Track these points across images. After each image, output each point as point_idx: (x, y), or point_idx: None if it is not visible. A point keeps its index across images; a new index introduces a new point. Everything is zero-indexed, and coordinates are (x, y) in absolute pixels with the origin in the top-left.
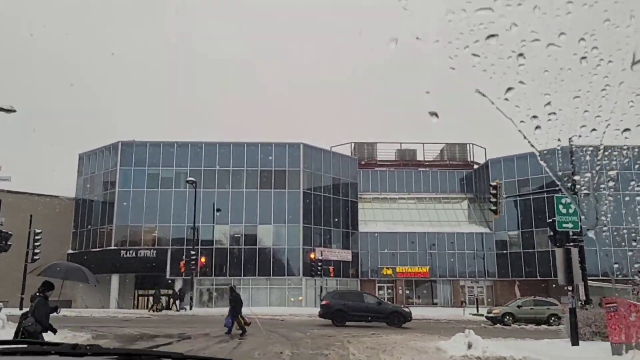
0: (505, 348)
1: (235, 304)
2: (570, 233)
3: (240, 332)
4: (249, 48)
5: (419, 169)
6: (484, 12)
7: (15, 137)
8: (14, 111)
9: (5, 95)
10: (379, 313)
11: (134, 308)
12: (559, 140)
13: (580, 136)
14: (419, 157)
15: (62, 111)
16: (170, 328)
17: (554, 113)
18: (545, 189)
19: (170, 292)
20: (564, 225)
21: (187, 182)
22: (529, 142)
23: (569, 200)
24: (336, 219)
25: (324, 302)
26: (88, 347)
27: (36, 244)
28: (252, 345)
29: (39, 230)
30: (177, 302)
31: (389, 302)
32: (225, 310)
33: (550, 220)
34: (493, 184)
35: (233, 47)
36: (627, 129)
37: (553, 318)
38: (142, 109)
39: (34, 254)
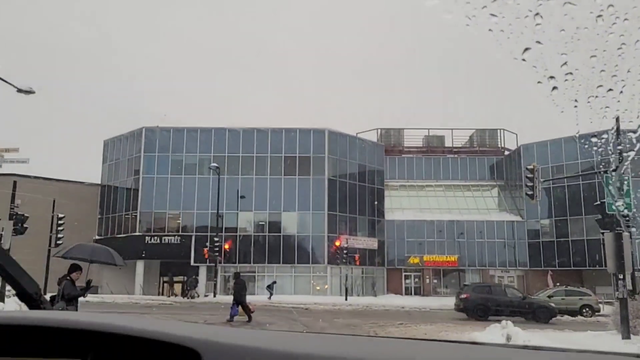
0: (549, 341)
1: (240, 290)
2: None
3: (247, 319)
4: (274, 34)
5: (447, 156)
6: None
7: (42, 124)
8: (33, 92)
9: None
10: (523, 307)
11: (158, 294)
12: (575, 101)
13: (597, 97)
14: (447, 144)
15: (90, 97)
16: (191, 315)
17: (571, 73)
18: (581, 175)
19: (185, 279)
20: (615, 207)
21: (210, 168)
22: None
23: (622, 180)
24: (362, 207)
25: (463, 296)
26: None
27: (59, 228)
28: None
29: (62, 215)
30: (192, 289)
31: (532, 297)
32: (248, 298)
33: (599, 202)
34: (530, 167)
35: (258, 32)
36: None
37: (586, 309)
38: (169, 95)
39: (57, 238)
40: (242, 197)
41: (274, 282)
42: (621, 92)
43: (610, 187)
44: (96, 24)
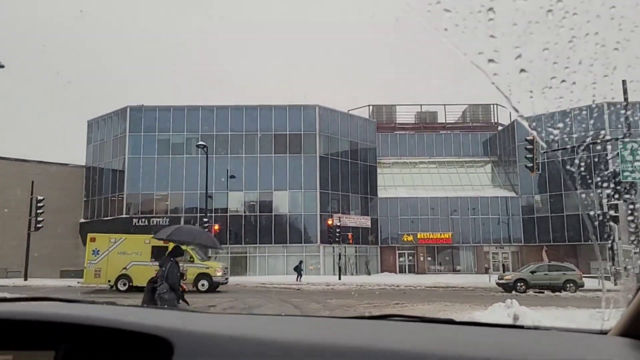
0: (562, 321)
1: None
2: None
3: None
4: (263, 10)
5: (440, 132)
6: None
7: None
8: (2, 66)
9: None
10: None
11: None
12: (531, 92)
13: (551, 87)
14: (440, 120)
15: (72, 77)
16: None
17: (524, 70)
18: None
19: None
20: (630, 175)
21: (198, 146)
22: (505, 97)
23: (637, 146)
24: (354, 185)
25: None
26: (104, 303)
27: (39, 211)
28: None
29: (41, 197)
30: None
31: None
32: (240, 279)
33: (611, 170)
34: (529, 138)
35: (246, 9)
36: (594, 83)
37: (569, 284)
38: (154, 73)
39: (37, 221)
40: (232, 177)
41: (301, 262)
42: (574, 83)
43: (626, 153)
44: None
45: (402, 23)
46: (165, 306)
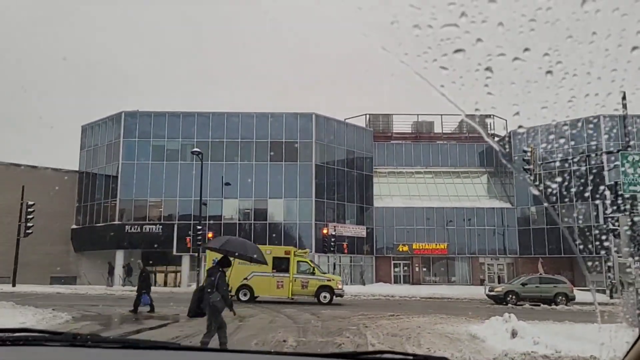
0: (562, 337)
1: (147, 281)
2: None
3: (148, 309)
4: (259, 19)
5: (437, 142)
6: (449, 28)
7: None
8: None
9: (5, 63)
10: None
11: None
12: (529, 146)
13: (550, 143)
14: (437, 130)
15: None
16: (167, 307)
17: (522, 126)
18: (572, 161)
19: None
20: (632, 188)
21: (193, 152)
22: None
23: (639, 158)
24: (350, 194)
25: None
26: (89, 337)
27: (29, 217)
28: (252, 330)
29: (32, 202)
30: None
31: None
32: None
33: (612, 182)
34: (527, 149)
35: (243, 17)
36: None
37: (560, 297)
38: (149, 79)
39: (27, 227)
40: (227, 184)
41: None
42: (573, 140)
43: (627, 165)
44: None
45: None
46: (153, 342)
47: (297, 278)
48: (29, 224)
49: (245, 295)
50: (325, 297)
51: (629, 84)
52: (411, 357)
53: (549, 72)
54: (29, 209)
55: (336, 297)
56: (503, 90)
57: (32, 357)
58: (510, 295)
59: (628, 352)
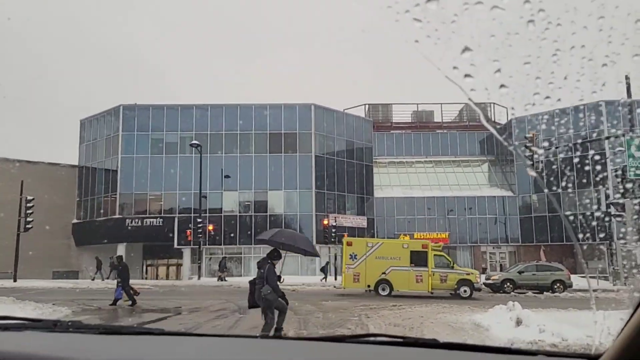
0: (568, 325)
1: (124, 274)
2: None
3: (130, 303)
4: (257, 8)
5: (437, 131)
6: None
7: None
8: None
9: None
10: None
11: (142, 278)
12: (512, 108)
13: (534, 104)
14: (437, 119)
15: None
16: (167, 301)
17: (504, 86)
18: (573, 147)
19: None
20: (639, 172)
21: (191, 145)
22: (482, 115)
23: None
24: (350, 184)
25: None
26: (69, 323)
27: (28, 212)
28: (253, 321)
29: (31, 197)
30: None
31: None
32: (234, 280)
33: (616, 167)
34: (529, 135)
35: (240, 4)
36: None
37: (557, 284)
38: (147, 72)
39: (27, 222)
40: (226, 176)
41: (328, 263)
42: (559, 99)
43: (632, 148)
44: None
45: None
46: (134, 328)
47: (436, 272)
48: (28, 219)
49: (384, 290)
50: (465, 291)
51: (617, 34)
52: (401, 340)
53: (530, 21)
54: (28, 204)
55: (475, 291)
56: (482, 44)
57: (11, 342)
58: (507, 283)
59: (623, 328)
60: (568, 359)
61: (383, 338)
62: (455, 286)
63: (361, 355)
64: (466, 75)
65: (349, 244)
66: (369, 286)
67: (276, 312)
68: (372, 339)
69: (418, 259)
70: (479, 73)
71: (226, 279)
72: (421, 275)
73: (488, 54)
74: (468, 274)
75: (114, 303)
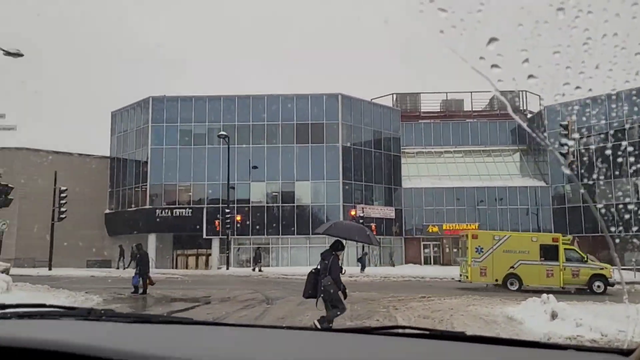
0: (606, 319)
1: (144, 262)
2: None
3: (141, 291)
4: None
5: (467, 120)
6: None
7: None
8: (21, 55)
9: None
10: None
11: (172, 268)
12: (541, 98)
13: (564, 94)
14: (467, 108)
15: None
16: (196, 290)
17: (533, 76)
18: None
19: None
20: None
21: (219, 136)
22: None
23: None
24: (378, 175)
25: None
26: (102, 312)
27: (62, 202)
28: (280, 312)
29: (64, 188)
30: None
31: None
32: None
33: None
34: (564, 123)
35: None
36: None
37: (598, 283)
38: (175, 65)
39: (60, 212)
40: (254, 167)
41: (365, 254)
42: (590, 90)
43: None
44: None
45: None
46: (166, 317)
47: (567, 266)
48: (62, 209)
49: (512, 284)
50: (599, 286)
51: None
52: (427, 332)
53: (560, 9)
54: (62, 194)
55: (609, 286)
56: (510, 33)
57: (47, 330)
58: None
59: None
60: (598, 353)
61: (410, 330)
62: (588, 281)
63: (387, 347)
64: (493, 66)
65: (475, 237)
66: (496, 280)
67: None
68: (399, 330)
69: (548, 252)
70: (506, 63)
71: (262, 269)
72: (552, 270)
73: (516, 43)
74: (602, 269)
75: (136, 291)
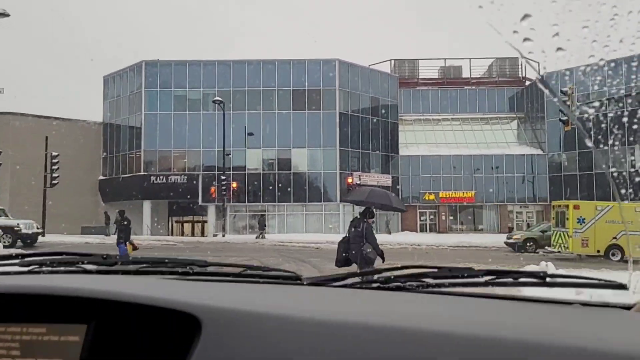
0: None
1: (126, 228)
2: None
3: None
4: None
5: (465, 87)
6: None
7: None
8: (7, 15)
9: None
10: None
11: (168, 235)
12: (567, 70)
13: (589, 66)
14: (465, 74)
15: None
16: (191, 256)
17: (561, 49)
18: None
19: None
20: None
21: (214, 102)
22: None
23: None
24: (375, 142)
25: None
26: (117, 257)
27: (54, 167)
28: None
29: (56, 153)
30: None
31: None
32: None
33: None
34: (565, 89)
35: None
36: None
37: None
38: (169, 28)
39: (53, 178)
40: (250, 134)
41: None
42: (613, 62)
43: None
44: None
45: None
46: (196, 278)
47: None
48: (54, 175)
49: (614, 255)
50: None
51: None
52: (436, 270)
53: None
54: (54, 160)
55: None
56: (543, 9)
57: (77, 280)
58: (529, 243)
59: None
60: (602, 307)
61: (417, 270)
62: None
63: (400, 300)
64: (525, 39)
65: (576, 207)
66: (598, 251)
67: None
68: (407, 271)
69: None
70: (537, 37)
71: (265, 236)
72: None
73: (549, 18)
74: None
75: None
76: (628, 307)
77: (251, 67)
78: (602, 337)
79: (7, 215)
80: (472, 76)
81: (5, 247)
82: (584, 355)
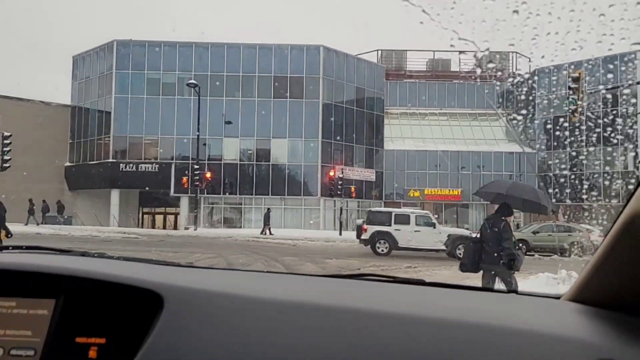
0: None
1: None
2: None
3: None
4: None
5: (453, 81)
6: None
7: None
8: None
9: None
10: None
11: (139, 227)
12: (530, 60)
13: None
14: (454, 68)
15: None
16: (149, 253)
17: (492, 61)
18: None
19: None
20: None
21: (188, 84)
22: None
23: None
24: (359, 135)
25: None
26: (95, 255)
27: (5, 149)
28: None
29: (8, 134)
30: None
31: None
32: (233, 231)
33: None
34: (575, 75)
35: None
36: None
37: (576, 247)
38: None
39: (4, 160)
40: (228, 122)
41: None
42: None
43: None
44: None
45: None
46: (157, 260)
47: None
48: (5, 157)
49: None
50: None
51: (585, 25)
52: (391, 280)
53: (515, 11)
54: (5, 140)
55: None
56: (475, 28)
57: (55, 260)
58: (520, 244)
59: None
60: (536, 297)
61: (375, 278)
62: None
63: (357, 289)
64: (513, 11)
65: None
66: None
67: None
68: (365, 278)
69: None
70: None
71: (271, 232)
72: None
73: (480, 35)
74: None
75: None
76: (557, 297)
77: (231, 51)
78: (533, 321)
79: None
80: (461, 70)
81: None
82: (517, 335)
